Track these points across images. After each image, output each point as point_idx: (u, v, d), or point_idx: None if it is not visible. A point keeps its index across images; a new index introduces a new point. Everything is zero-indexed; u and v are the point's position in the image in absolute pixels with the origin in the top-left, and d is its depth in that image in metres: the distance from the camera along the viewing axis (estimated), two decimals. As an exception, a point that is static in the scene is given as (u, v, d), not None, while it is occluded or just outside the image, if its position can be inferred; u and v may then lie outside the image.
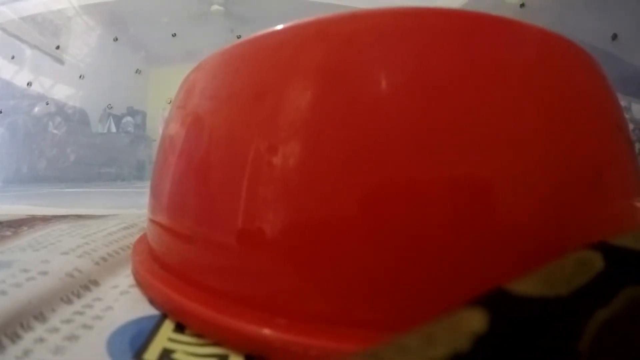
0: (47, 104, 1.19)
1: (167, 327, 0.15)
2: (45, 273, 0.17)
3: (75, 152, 1.20)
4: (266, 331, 0.12)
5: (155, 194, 0.20)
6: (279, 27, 0.15)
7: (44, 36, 1.19)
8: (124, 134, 1.25)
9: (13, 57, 1.19)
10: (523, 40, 0.15)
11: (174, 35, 1.18)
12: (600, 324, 0.07)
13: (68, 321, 0.15)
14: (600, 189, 0.14)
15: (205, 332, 0.14)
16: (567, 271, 0.08)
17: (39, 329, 0.14)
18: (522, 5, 0.88)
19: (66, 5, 1.18)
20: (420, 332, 0.06)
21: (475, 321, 0.06)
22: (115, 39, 1.21)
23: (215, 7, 1.16)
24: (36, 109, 1.19)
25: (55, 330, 0.14)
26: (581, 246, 0.09)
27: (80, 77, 1.21)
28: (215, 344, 0.13)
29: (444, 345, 0.06)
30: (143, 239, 0.23)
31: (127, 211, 0.42)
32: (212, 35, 1.14)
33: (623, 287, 0.07)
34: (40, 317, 0.15)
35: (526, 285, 0.07)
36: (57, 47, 1.20)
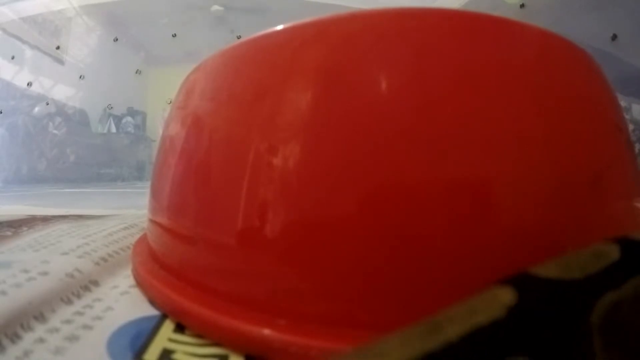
0: (47, 104, 1.19)
1: (167, 327, 0.15)
2: (45, 273, 0.17)
3: (75, 152, 1.20)
4: (266, 331, 0.12)
5: (155, 194, 0.20)
6: (279, 27, 0.15)
7: (44, 37, 1.19)
8: (124, 135, 1.25)
9: (13, 58, 1.19)
10: (523, 41, 0.15)
11: (174, 35, 1.18)
12: (609, 304, 0.08)
13: (68, 321, 0.15)
14: (600, 189, 0.14)
15: (205, 333, 0.14)
16: (583, 259, 0.09)
17: (39, 330, 0.14)
18: (522, 5, 0.88)
19: (66, 5, 1.18)
20: (462, 305, 0.08)
21: (506, 296, 0.08)
22: (116, 40, 1.22)
23: (215, 7, 1.16)
24: (36, 110, 1.19)
25: (56, 330, 0.14)
26: (602, 239, 0.10)
27: (80, 77, 1.21)
28: (215, 344, 0.13)
29: (484, 314, 0.07)
30: (143, 240, 0.23)
31: (127, 211, 0.42)
32: (212, 36, 1.14)
33: (634, 276, 0.08)
34: (41, 317, 0.15)
35: (546, 270, 0.09)
36: (58, 48, 1.20)
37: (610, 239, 0.10)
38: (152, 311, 0.16)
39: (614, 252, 0.09)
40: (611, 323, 0.08)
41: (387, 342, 0.07)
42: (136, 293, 0.18)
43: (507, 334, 0.07)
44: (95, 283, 0.19)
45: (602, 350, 0.07)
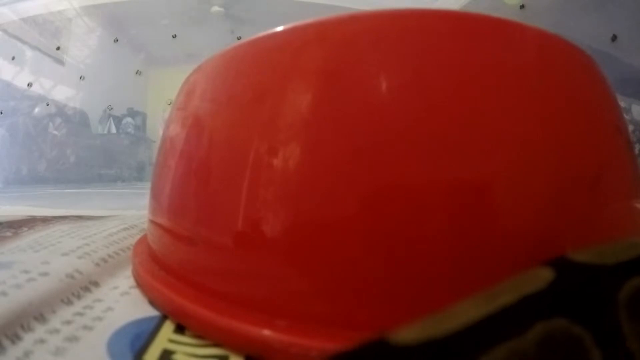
0: (48, 105, 1.19)
1: (168, 328, 0.15)
2: (45, 274, 0.17)
3: (75, 153, 1.20)
4: (266, 332, 0.12)
5: (155, 195, 0.20)
6: (279, 28, 0.15)
7: (45, 37, 1.19)
8: (124, 135, 1.25)
9: (14, 58, 1.19)
10: (522, 42, 0.15)
11: (174, 36, 1.18)
12: (636, 286, 0.09)
13: (68, 322, 0.15)
14: (600, 190, 0.14)
15: (205, 333, 0.14)
16: (616, 249, 0.10)
17: (39, 330, 0.14)
18: (522, 6, 0.88)
19: (67, 6, 1.18)
20: (511, 281, 0.09)
21: (546, 273, 0.09)
22: (116, 40, 1.22)
23: (216, 8, 1.16)
24: (36, 110, 1.19)
25: (56, 331, 0.14)
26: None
27: (80, 78, 1.21)
28: (216, 345, 0.13)
29: (530, 286, 0.09)
30: (143, 240, 0.23)
31: (127, 212, 0.42)
32: (212, 37, 1.14)
33: None
34: (41, 318, 0.15)
35: (582, 255, 0.10)
36: (58, 48, 1.20)
37: None
38: (152, 312, 0.16)
39: None
40: (637, 300, 0.09)
41: (454, 308, 0.08)
42: (136, 294, 0.18)
43: (549, 301, 0.08)
44: (96, 284, 0.19)
45: (627, 320, 0.08)
